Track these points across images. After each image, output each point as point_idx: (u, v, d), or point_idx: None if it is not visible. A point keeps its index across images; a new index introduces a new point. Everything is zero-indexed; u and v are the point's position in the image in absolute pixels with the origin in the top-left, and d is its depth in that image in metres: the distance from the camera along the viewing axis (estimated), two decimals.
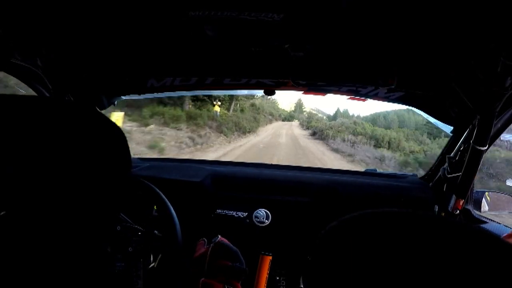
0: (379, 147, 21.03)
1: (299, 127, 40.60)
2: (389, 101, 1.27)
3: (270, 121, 36.63)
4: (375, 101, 1.34)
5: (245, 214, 1.27)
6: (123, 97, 1.33)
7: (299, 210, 1.29)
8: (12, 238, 0.34)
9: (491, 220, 1.22)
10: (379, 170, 1.65)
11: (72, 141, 0.38)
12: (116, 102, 1.31)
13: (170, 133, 10.69)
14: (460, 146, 1.18)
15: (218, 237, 0.68)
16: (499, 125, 1.07)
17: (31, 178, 0.35)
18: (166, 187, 0.99)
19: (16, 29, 0.80)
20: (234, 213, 1.27)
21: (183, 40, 0.95)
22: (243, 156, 10.09)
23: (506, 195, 1.38)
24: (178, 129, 11.37)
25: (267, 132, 24.31)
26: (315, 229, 1.26)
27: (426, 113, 1.30)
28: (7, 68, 0.94)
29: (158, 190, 0.93)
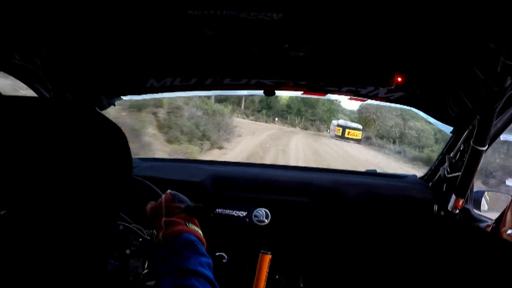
0: None
1: None
2: (389, 101, 1.28)
3: None
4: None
5: (245, 213, 1.27)
6: (123, 97, 1.33)
7: (298, 210, 1.29)
8: (13, 237, 0.35)
9: (491, 219, 1.23)
10: (379, 171, 1.65)
11: (72, 141, 0.38)
12: (115, 102, 1.31)
13: None
14: (460, 146, 1.18)
15: (168, 191, 0.75)
16: (499, 125, 1.07)
17: (31, 178, 0.35)
18: (166, 187, 0.99)
19: (16, 29, 0.80)
20: (234, 213, 1.27)
21: (183, 40, 0.95)
22: None
23: (506, 194, 1.38)
24: None
25: None
26: (314, 229, 1.27)
27: (426, 113, 1.30)
28: (7, 68, 0.94)
29: (158, 190, 0.93)
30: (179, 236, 0.61)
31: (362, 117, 23.26)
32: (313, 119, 24.62)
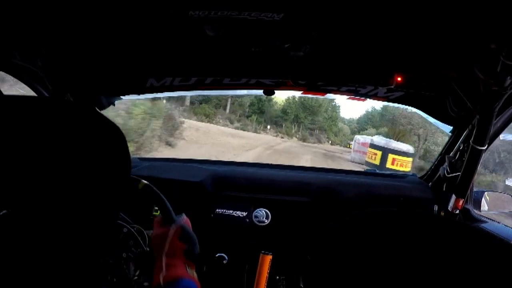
0: None
1: None
2: (388, 101, 1.28)
3: None
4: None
5: (245, 213, 1.27)
6: (123, 97, 1.33)
7: (298, 210, 1.29)
8: (13, 237, 0.35)
9: (491, 219, 1.23)
10: (378, 170, 1.65)
11: (72, 141, 0.38)
12: (115, 102, 1.31)
13: None
14: (459, 146, 1.18)
15: (182, 215, 0.72)
16: (498, 125, 1.07)
17: (31, 178, 0.35)
18: (166, 187, 0.99)
19: (16, 29, 0.80)
20: (234, 213, 1.27)
21: (183, 40, 0.96)
22: None
23: (506, 194, 1.38)
24: None
25: None
26: (314, 228, 1.27)
27: (425, 112, 1.30)
28: (7, 68, 0.94)
29: (157, 191, 0.93)
30: (179, 280, 0.60)
31: (393, 131, 15.83)
32: (312, 128, 20.61)
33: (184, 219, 0.72)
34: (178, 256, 0.64)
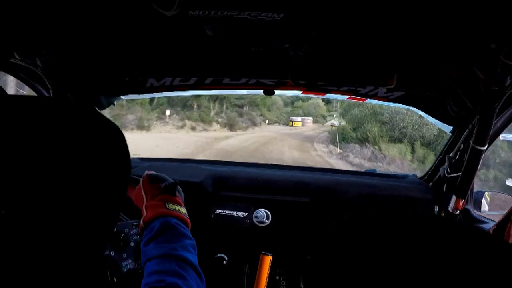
0: None
1: None
2: (388, 101, 1.28)
3: None
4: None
5: (245, 214, 1.27)
6: (123, 97, 1.33)
7: (299, 210, 1.29)
8: (12, 238, 0.34)
9: (491, 220, 1.22)
10: (379, 171, 1.65)
11: (72, 141, 0.38)
12: (115, 102, 1.31)
13: None
14: (459, 146, 1.18)
15: (145, 172, 0.75)
16: (498, 125, 1.07)
17: (31, 178, 0.35)
18: None
19: (16, 29, 0.80)
20: (234, 213, 1.27)
21: (183, 40, 0.96)
22: None
23: (506, 195, 1.38)
24: None
25: None
26: (315, 229, 1.26)
27: (425, 112, 1.30)
28: (7, 68, 0.94)
29: (135, 176, 0.93)
30: (156, 220, 0.61)
31: None
32: (240, 105, 13.95)
33: (146, 172, 0.75)
34: (156, 196, 0.66)
